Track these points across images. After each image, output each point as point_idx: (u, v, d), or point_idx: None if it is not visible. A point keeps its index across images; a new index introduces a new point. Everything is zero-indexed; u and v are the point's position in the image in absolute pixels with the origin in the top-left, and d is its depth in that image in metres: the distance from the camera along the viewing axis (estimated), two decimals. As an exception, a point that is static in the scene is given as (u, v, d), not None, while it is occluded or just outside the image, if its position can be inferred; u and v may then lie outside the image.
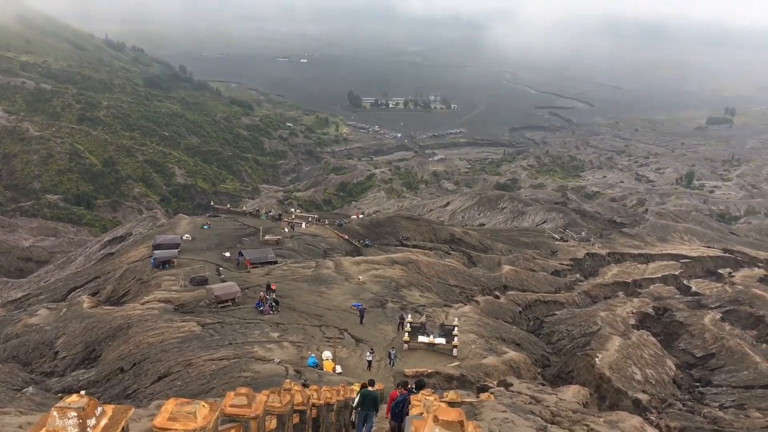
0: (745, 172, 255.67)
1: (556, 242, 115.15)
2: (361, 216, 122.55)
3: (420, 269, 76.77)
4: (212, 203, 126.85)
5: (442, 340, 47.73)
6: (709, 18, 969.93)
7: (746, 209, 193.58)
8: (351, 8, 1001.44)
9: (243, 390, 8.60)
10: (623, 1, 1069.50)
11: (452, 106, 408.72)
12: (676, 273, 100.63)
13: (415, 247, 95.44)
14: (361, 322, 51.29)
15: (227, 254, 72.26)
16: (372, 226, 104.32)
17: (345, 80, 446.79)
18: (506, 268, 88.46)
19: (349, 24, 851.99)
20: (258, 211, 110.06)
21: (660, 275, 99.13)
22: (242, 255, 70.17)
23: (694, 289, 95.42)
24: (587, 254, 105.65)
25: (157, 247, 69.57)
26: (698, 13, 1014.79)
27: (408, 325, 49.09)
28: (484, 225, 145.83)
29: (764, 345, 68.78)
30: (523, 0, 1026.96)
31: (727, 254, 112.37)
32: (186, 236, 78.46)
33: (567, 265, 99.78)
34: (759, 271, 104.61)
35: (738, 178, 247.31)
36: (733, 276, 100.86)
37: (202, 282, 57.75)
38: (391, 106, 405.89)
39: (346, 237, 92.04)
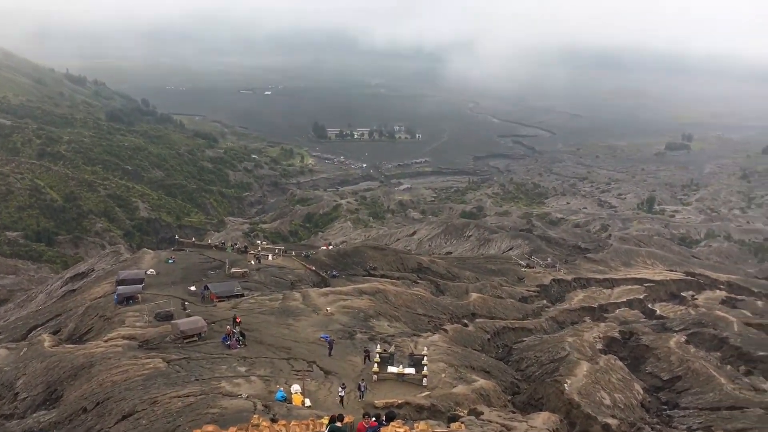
0: (703, 197, 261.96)
1: (523, 269, 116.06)
2: (330, 247, 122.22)
3: (388, 299, 76.63)
4: (177, 237, 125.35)
5: (411, 370, 47.53)
6: (664, 47, 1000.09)
7: (706, 232, 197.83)
8: (314, 42, 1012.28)
9: (210, 428, 8.52)
10: (580, 32, 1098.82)
11: (417, 135, 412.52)
12: (641, 297, 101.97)
13: (382, 276, 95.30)
14: (329, 354, 50.86)
15: (193, 288, 71.34)
16: (339, 257, 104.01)
17: (309, 112, 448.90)
18: (474, 295, 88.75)
19: (312, 57, 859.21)
20: (224, 243, 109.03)
21: (625, 299, 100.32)
22: (208, 289, 69.35)
23: (658, 312, 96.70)
24: (553, 280, 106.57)
25: (120, 282, 68.38)
26: (654, 42, 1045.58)
27: (377, 355, 48.82)
28: (451, 253, 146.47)
29: (728, 366, 69.82)
30: (482, 32, 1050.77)
31: (690, 277, 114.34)
32: (150, 271, 77.31)
33: (534, 291, 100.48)
34: (720, 293, 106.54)
35: (697, 202, 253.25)
36: (695, 298, 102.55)
37: (167, 317, 56.82)
38: (356, 136, 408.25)
39: (313, 268, 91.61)
